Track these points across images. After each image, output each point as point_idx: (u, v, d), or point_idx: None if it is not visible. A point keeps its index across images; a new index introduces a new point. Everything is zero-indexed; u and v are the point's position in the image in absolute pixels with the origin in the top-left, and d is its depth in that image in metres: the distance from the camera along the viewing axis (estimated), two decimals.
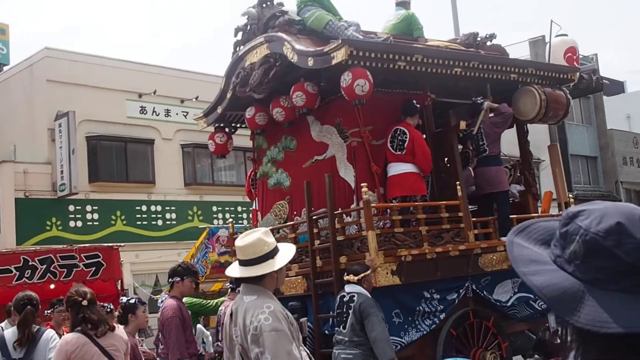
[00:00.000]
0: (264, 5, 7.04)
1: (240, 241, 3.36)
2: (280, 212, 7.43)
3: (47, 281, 11.56)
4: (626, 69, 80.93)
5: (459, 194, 6.66)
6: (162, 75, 19.56)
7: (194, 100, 19.83)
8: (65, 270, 11.98)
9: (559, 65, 7.95)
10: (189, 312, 6.07)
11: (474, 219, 6.96)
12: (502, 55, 8.27)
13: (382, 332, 5.43)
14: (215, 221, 19.34)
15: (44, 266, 11.77)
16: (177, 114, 19.89)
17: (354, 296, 5.62)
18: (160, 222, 19.14)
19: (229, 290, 6.18)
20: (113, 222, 18.34)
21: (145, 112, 19.33)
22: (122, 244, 13.48)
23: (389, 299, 6.13)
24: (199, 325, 9.36)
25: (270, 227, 7.26)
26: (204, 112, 8.11)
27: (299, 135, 7.41)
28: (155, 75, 19.40)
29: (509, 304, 7.07)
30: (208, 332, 10.06)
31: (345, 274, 5.84)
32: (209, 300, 7.22)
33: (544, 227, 1.30)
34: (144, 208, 18.96)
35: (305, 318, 6.51)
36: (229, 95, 7.51)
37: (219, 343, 6.10)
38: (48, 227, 17.33)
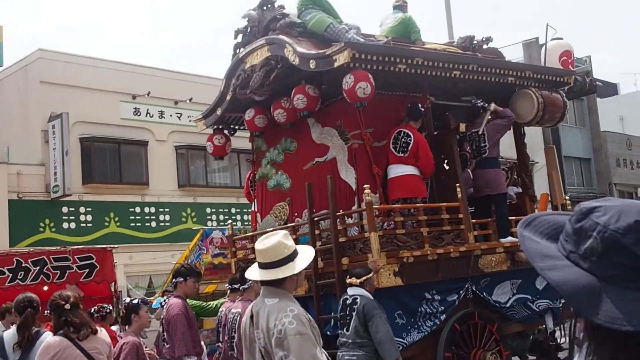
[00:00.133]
0: (265, 7, 7.07)
1: (261, 244, 3.39)
2: (280, 214, 7.47)
3: (40, 283, 11.52)
4: (619, 70, 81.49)
5: (459, 195, 6.71)
6: (156, 77, 19.55)
7: (188, 101, 19.83)
8: (59, 272, 11.95)
9: (556, 69, 8.04)
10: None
11: (474, 220, 7.02)
12: (499, 58, 8.33)
13: (386, 332, 5.48)
14: (209, 223, 19.34)
15: (37, 268, 11.73)
16: (171, 115, 19.88)
17: (356, 298, 5.66)
18: (154, 224, 19.12)
19: (229, 291, 6.20)
20: (107, 223, 18.31)
21: (139, 113, 19.31)
22: (116, 246, 13.46)
23: (392, 300, 6.17)
24: None
25: (271, 229, 7.33)
26: (204, 113, 8.12)
27: (299, 137, 7.45)
28: (149, 76, 19.39)
29: (507, 305, 7.13)
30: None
31: (348, 277, 5.88)
32: (209, 302, 7.23)
33: (549, 220, 1.30)
34: (138, 210, 18.94)
35: None
36: (228, 97, 7.54)
37: (219, 344, 6.12)
38: (41, 229, 17.28)
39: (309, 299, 6.72)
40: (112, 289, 12.76)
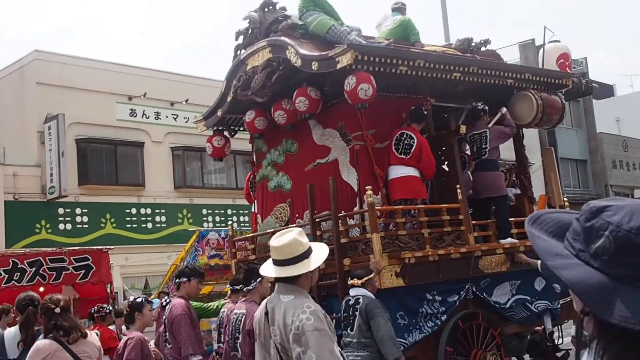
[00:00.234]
0: (266, 9, 7.10)
1: (276, 241, 3.42)
2: (281, 215, 7.49)
3: (36, 284, 11.52)
4: (616, 72, 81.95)
5: (459, 197, 6.76)
6: (152, 78, 19.58)
7: (184, 103, 19.87)
8: (55, 273, 11.96)
9: (554, 71, 8.10)
10: None
11: (474, 221, 7.07)
12: (497, 60, 8.39)
13: (387, 331, 5.51)
14: (205, 224, 19.38)
15: (33, 269, 11.73)
16: (167, 116, 19.91)
17: (359, 299, 5.70)
18: (150, 225, 19.13)
19: (230, 292, 6.22)
20: (103, 225, 18.32)
21: (135, 114, 19.33)
22: (112, 247, 13.51)
23: (394, 300, 6.20)
24: None
25: (271, 230, 7.36)
26: (204, 115, 8.14)
27: (300, 138, 7.48)
28: (145, 78, 19.42)
29: (507, 305, 7.17)
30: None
31: (349, 278, 5.91)
32: (209, 303, 7.25)
33: (553, 218, 1.31)
34: (134, 211, 18.95)
35: None
36: (229, 99, 7.56)
37: (220, 345, 6.15)
38: (37, 230, 17.28)
39: None
40: (108, 290, 12.78)
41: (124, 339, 5.46)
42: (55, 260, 12.06)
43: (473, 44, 8.36)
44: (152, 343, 13.23)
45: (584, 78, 10.22)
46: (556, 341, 8.68)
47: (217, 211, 20.46)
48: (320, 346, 3.14)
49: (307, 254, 3.40)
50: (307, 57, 6.47)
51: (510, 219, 7.40)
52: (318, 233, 6.74)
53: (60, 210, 17.72)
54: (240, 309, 5.57)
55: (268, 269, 3.49)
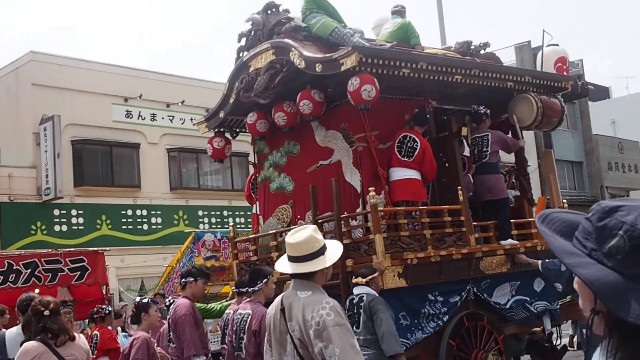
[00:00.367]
0: (269, 11, 7.14)
1: (292, 238, 3.47)
2: (283, 216, 7.53)
3: (31, 285, 11.51)
4: (611, 74, 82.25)
5: (460, 198, 6.82)
6: (148, 80, 19.57)
7: (180, 104, 19.87)
8: (50, 274, 11.95)
9: (553, 74, 8.18)
10: None
11: (475, 223, 7.13)
12: (497, 63, 8.46)
13: (388, 327, 5.56)
14: (201, 226, 19.37)
15: (29, 270, 11.72)
16: (162, 118, 19.90)
17: (363, 296, 5.77)
18: (145, 227, 19.11)
19: (235, 294, 6.24)
20: (98, 226, 18.28)
21: (131, 116, 19.30)
22: (108, 249, 13.50)
23: (396, 301, 6.25)
24: None
25: (273, 231, 7.40)
26: (206, 116, 8.17)
27: (303, 140, 7.52)
28: (141, 79, 19.41)
29: (507, 306, 7.24)
30: None
31: (353, 277, 5.97)
32: (212, 304, 7.27)
33: (560, 218, 1.33)
34: (130, 212, 18.92)
35: None
36: (231, 100, 7.59)
37: (224, 346, 6.17)
38: (33, 231, 17.23)
39: None
40: (104, 292, 12.78)
41: (130, 339, 5.47)
42: (50, 262, 12.05)
43: (472, 47, 8.44)
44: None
45: (580, 80, 10.31)
46: (554, 342, 8.76)
47: (213, 213, 20.45)
48: (343, 341, 3.19)
49: (322, 250, 3.46)
50: (311, 59, 6.52)
51: (510, 221, 7.47)
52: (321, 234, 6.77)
53: (56, 212, 17.67)
54: (245, 310, 5.59)
55: (284, 265, 3.53)
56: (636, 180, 30.36)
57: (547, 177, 8.54)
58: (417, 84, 7.04)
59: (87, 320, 12.31)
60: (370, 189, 6.31)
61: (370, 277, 5.83)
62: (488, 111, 7.64)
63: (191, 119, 20.18)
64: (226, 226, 19.44)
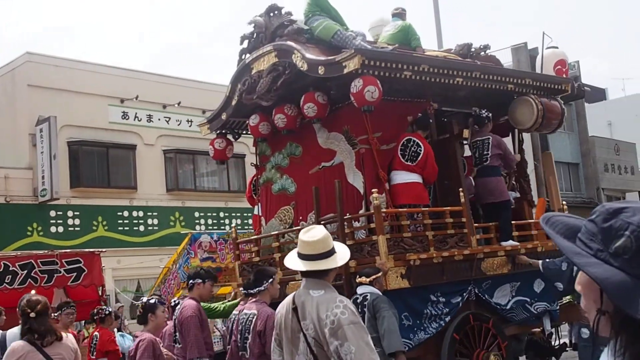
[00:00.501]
0: (272, 14, 7.17)
1: (308, 236, 3.51)
2: (285, 217, 7.56)
3: (27, 287, 11.48)
4: (608, 76, 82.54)
5: (462, 200, 6.86)
6: (145, 81, 19.56)
7: (176, 105, 19.87)
8: (46, 275, 11.93)
9: (553, 76, 8.24)
10: None
11: (476, 224, 7.18)
12: (497, 65, 8.52)
13: (390, 325, 5.60)
14: (197, 227, 19.36)
15: (25, 272, 11.70)
16: (159, 119, 19.90)
17: (366, 296, 5.81)
18: (142, 228, 19.10)
19: (243, 295, 6.27)
20: (95, 227, 18.26)
21: (127, 117, 19.29)
22: (104, 250, 13.49)
23: (399, 301, 6.28)
24: None
25: (276, 232, 7.43)
26: (208, 118, 8.19)
27: (305, 142, 7.56)
28: (137, 80, 19.40)
29: (507, 307, 7.29)
30: None
31: (358, 276, 6.01)
32: (216, 304, 7.29)
33: (561, 221, 1.36)
34: (126, 214, 18.91)
35: None
36: (234, 102, 7.62)
37: (229, 346, 6.20)
38: (29, 233, 17.20)
39: None
40: (100, 293, 12.77)
41: (136, 340, 5.47)
42: (47, 263, 12.04)
43: (473, 49, 8.48)
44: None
45: (577, 82, 10.38)
46: (553, 342, 8.83)
47: (209, 214, 20.44)
48: (358, 339, 3.24)
49: (334, 250, 3.53)
50: (314, 62, 6.56)
51: (511, 222, 7.52)
52: None
53: (52, 213, 17.64)
54: (251, 310, 5.61)
55: (295, 263, 3.55)
56: (632, 182, 30.47)
57: (547, 179, 8.62)
58: (419, 86, 7.08)
59: (83, 322, 12.34)
60: (373, 190, 6.35)
61: (374, 276, 5.88)
62: (490, 115, 7.69)
63: (187, 121, 20.20)
64: (222, 227, 19.50)
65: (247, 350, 5.66)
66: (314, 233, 3.53)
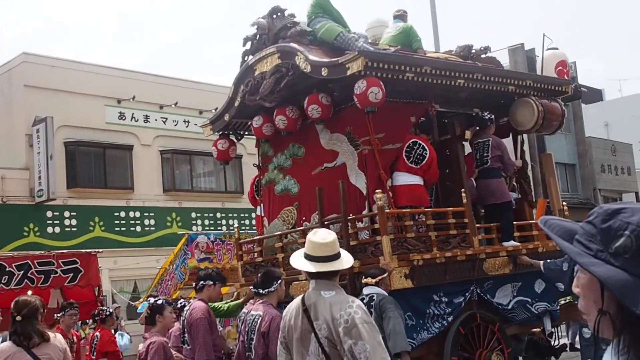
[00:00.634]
0: (275, 16, 7.20)
1: (319, 238, 3.56)
2: (288, 218, 7.59)
3: (24, 287, 11.49)
4: (604, 76, 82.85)
5: (464, 200, 6.91)
6: (141, 81, 19.55)
7: (173, 106, 19.87)
8: (43, 276, 11.94)
9: (554, 78, 8.30)
10: None
11: (478, 225, 7.23)
12: (497, 67, 8.57)
13: (396, 325, 5.63)
14: (194, 227, 19.36)
15: (21, 272, 11.70)
16: (156, 119, 19.89)
17: (373, 296, 5.85)
18: (138, 229, 19.08)
19: (253, 293, 6.29)
20: (91, 228, 18.24)
21: (124, 117, 19.28)
22: (100, 250, 13.50)
23: (402, 301, 6.31)
24: None
25: (279, 233, 7.46)
26: (211, 119, 8.21)
27: (307, 143, 7.59)
28: (134, 80, 19.38)
29: (509, 307, 7.34)
30: None
31: (363, 277, 6.04)
32: (219, 304, 7.31)
33: (558, 224, 1.38)
34: (123, 214, 18.89)
35: None
36: (236, 104, 7.65)
37: (237, 346, 6.23)
38: (25, 233, 17.17)
39: None
40: (97, 294, 12.77)
41: (146, 343, 5.47)
42: (43, 264, 12.04)
43: (473, 51, 8.53)
44: (140, 346, 13.27)
45: (573, 82, 10.45)
46: (553, 342, 8.89)
47: (206, 214, 20.44)
48: (371, 337, 3.31)
49: (340, 252, 3.60)
50: (317, 63, 6.59)
51: (513, 223, 7.58)
52: None
53: (49, 214, 17.61)
54: (257, 311, 5.64)
55: (305, 265, 3.58)
56: (629, 183, 30.59)
57: (547, 180, 8.66)
58: (421, 87, 7.12)
59: (79, 322, 12.34)
60: (377, 191, 6.39)
61: (379, 277, 5.92)
62: (493, 117, 7.74)
63: (184, 121, 20.21)
64: (219, 228, 19.51)
65: (253, 351, 5.70)
66: (324, 235, 3.59)
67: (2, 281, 11.40)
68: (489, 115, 7.72)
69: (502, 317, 7.29)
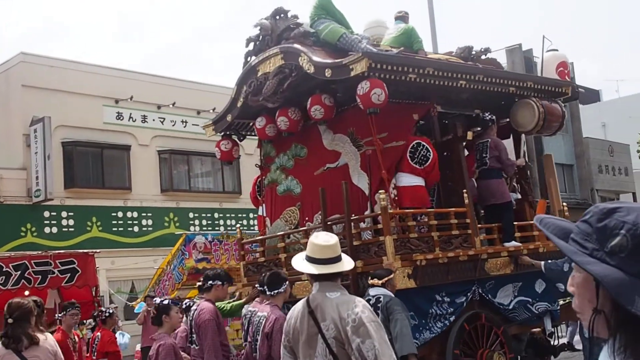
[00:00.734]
0: (278, 17, 7.23)
1: (322, 240, 3.61)
2: (290, 218, 7.61)
3: (21, 287, 11.49)
4: (602, 77, 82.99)
5: (466, 201, 6.95)
6: (139, 81, 19.55)
7: (171, 106, 19.87)
8: (40, 276, 11.93)
9: (554, 79, 8.34)
10: None
11: (479, 225, 7.27)
12: (497, 68, 8.61)
13: (403, 328, 5.66)
14: (191, 228, 19.37)
15: (19, 272, 11.68)
16: (153, 120, 19.89)
17: (380, 298, 5.86)
18: (136, 229, 19.08)
19: (259, 292, 6.31)
20: (89, 228, 18.22)
21: (121, 118, 19.27)
22: (98, 251, 13.50)
23: (405, 301, 6.32)
24: None
25: (282, 233, 7.49)
26: (213, 120, 8.23)
27: (310, 143, 7.62)
28: (131, 80, 19.38)
29: (510, 307, 7.38)
30: None
31: (370, 277, 6.06)
32: (221, 304, 7.33)
33: (552, 222, 1.39)
34: (120, 214, 18.88)
35: None
36: (239, 104, 7.67)
37: (245, 343, 6.26)
38: (23, 233, 17.15)
39: None
40: (94, 294, 12.77)
41: (155, 344, 5.44)
42: (40, 264, 12.02)
43: (473, 52, 8.57)
44: (138, 346, 13.17)
45: (572, 84, 10.50)
46: (554, 342, 8.93)
47: (203, 215, 20.44)
48: (378, 335, 3.37)
49: (341, 254, 3.66)
50: (321, 64, 6.62)
51: (513, 223, 7.62)
52: None
53: (46, 214, 17.60)
54: (263, 312, 5.69)
55: (307, 267, 3.62)
56: (626, 183, 30.67)
57: (547, 181, 8.71)
58: (423, 88, 7.16)
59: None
60: (380, 191, 6.42)
61: (386, 278, 5.94)
62: (494, 117, 7.79)
63: (182, 121, 20.22)
64: (217, 228, 19.52)
65: (258, 352, 5.74)
66: (326, 238, 3.66)
67: None
68: (490, 116, 7.76)
69: (504, 317, 7.33)
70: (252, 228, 19.48)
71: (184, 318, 6.20)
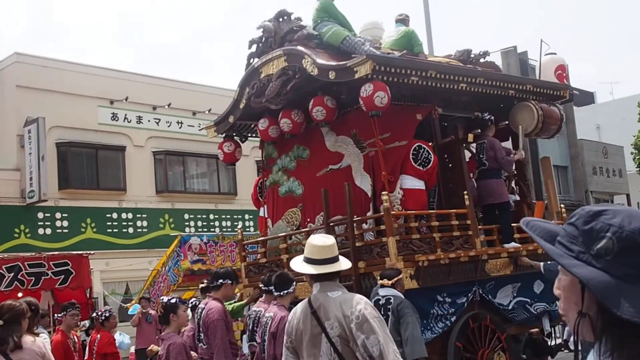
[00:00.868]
0: (281, 19, 7.28)
1: (320, 241, 3.68)
2: (292, 219, 7.66)
3: (14, 289, 11.49)
4: (596, 80, 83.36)
5: (467, 202, 7.02)
6: (134, 82, 19.50)
7: (166, 107, 19.84)
8: (34, 278, 11.92)
9: (553, 82, 8.44)
10: None
11: (480, 226, 7.34)
12: (496, 71, 8.70)
13: (414, 331, 5.71)
14: (187, 229, 19.32)
15: (12, 274, 11.68)
16: (149, 120, 19.84)
17: (390, 299, 5.90)
18: (131, 230, 19.02)
19: (264, 292, 6.34)
20: (83, 229, 18.16)
21: (116, 118, 19.22)
22: (92, 252, 13.49)
23: None
24: None
25: (283, 234, 7.53)
26: (215, 121, 8.26)
27: (312, 145, 7.68)
28: (127, 81, 19.33)
29: (509, 307, 7.46)
30: None
31: (379, 278, 6.11)
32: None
33: (539, 225, 1.39)
34: (115, 215, 18.82)
35: None
36: (242, 106, 7.71)
37: (254, 343, 6.30)
38: (16, 235, 17.07)
39: None
40: (88, 296, 12.75)
41: (165, 344, 5.40)
42: (34, 266, 12.02)
43: (472, 55, 8.66)
44: (132, 348, 13.12)
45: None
46: (550, 342, 9.01)
47: (199, 216, 20.40)
48: (382, 331, 3.45)
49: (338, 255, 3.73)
50: (324, 67, 6.68)
51: (512, 224, 7.69)
52: None
53: (40, 215, 17.52)
54: (270, 312, 5.73)
55: (306, 268, 3.66)
56: (620, 185, 30.80)
57: (546, 183, 8.81)
58: (425, 91, 7.24)
59: None
60: (383, 192, 6.48)
61: (396, 278, 5.98)
62: (493, 118, 7.86)
63: (177, 122, 20.20)
64: (212, 230, 19.51)
65: (265, 352, 5.78)
66: (324, 239, 3.74)
67: None
68: (488, 116, 7.84)
69: (503, 317, 7.40)
70: (247, 229, 19.50)
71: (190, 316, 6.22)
